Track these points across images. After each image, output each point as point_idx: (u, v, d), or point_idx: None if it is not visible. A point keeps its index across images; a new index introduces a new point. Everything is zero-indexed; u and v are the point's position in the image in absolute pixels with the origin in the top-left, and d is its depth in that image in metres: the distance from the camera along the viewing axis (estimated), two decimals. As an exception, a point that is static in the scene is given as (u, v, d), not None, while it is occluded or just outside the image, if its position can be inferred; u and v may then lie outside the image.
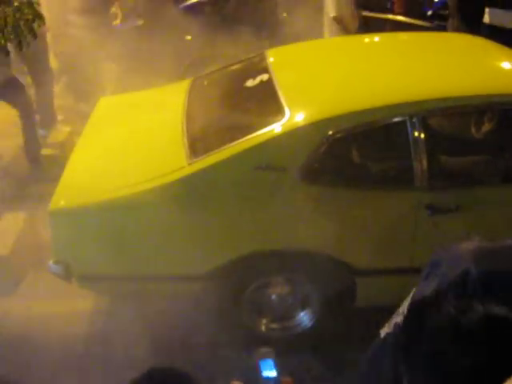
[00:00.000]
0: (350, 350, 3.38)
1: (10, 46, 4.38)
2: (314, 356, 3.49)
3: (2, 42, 4.10)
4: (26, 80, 6.54)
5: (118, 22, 8.07)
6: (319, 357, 3.48)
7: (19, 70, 6.56)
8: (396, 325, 1.18)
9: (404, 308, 1.18)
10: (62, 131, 6.31)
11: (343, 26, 6.35)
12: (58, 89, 7.67)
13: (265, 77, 3.73)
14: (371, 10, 6.67)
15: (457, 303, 1.05)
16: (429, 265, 1.21)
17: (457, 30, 5.79)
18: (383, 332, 1.23)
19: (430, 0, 6.91)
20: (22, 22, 4.13)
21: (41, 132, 6.31)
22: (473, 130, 3.93)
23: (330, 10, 6.50)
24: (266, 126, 3.20)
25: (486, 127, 3.91)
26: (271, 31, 6.72)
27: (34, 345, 3.65)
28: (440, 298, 1.09)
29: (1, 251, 4.22)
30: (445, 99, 3.22)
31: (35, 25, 4.60)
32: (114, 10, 8.09)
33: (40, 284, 4.15)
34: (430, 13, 6.72)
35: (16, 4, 4.58)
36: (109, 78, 7.83)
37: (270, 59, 3.97)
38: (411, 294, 1.18)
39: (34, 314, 3.89)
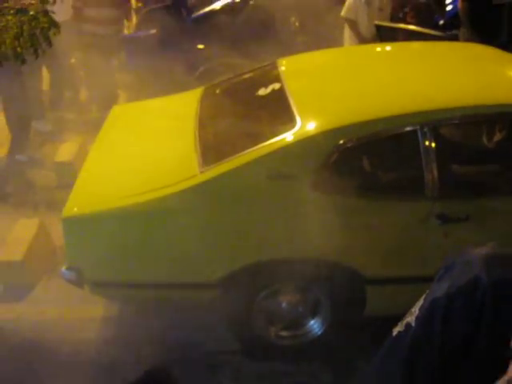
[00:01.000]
0: (360, 357, 3.42)
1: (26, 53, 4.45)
2: (324, 364, 3.49)
3: (19, 50, 4.17)
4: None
5: (130, 31, 8.14)
6: (329, 365, 3.49)
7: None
8: (408, 324, 1.20)
9: (416, 308, 1.20)
10: (75, 139, 6.36)
11: (357, 32, 6.39)
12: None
13: (276, 86, 3.75)
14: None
15: (463, 312, 1.06)
16: (442, 267, 1.23)
17: (468, 39, 5.79)
18: (395, 331, 1.24)
19: (442, 9, 6.92)
20: (37, 31, 4.21)
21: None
22: (484, 139, 3.94)
23: (347, 11, 6.55)
24: (277, 134, 3.22)
25: (497, 137, 3.91)
26: (284, 40, 6.77)
27: (45, 350, 3.68)
28: (449, 302, 1.11)
29: (15, 257, 4.26)
30: (455, 109, 3.23)
31: (51, 33, 4.66)
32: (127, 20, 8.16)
33: (53, 290, 4.19)
34: (441, 22, 6.72)
35: (32, 13, 4.65)
36: (121, 86, 7.90)
37: (282, 68, 3.99)
38: (424, 295, 1.20)
39: (46, 319, 3.92)
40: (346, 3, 6.60)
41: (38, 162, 6.06)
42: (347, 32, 6.71)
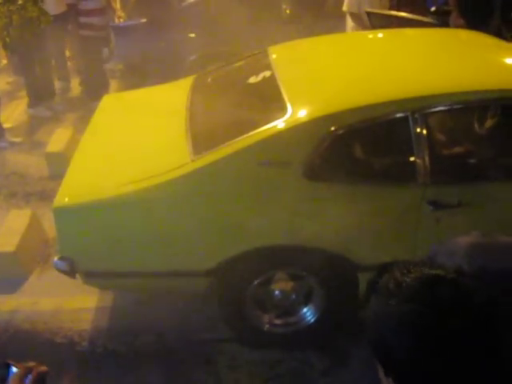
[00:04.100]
0: (353, 344, 3.44)
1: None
2: (317, 351, 3.51)
3: (8, 40, 4.15)
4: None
5: (121, 20, 8.11)
6: (323, 352, 3.50)
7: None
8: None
9: None
10: (66, 129, 6.34)
11: (362, 24, 6.37)
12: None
13: (267, 73, 3.74)
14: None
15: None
16: (426, 257, 1.22)
17: (459, 26, 5.78)
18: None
19: None
20: (26, 20, 4.18)
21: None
22: (476, 125, 3.93)
23: (349, 5, 6.54)
24: (268, 122, 3.21)
25: (489, 123, 3.90)
26: (275, 28, 6.74)
27: (40, 341, 3.68)
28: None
29: (7, 248, 4.25)
30: (446, 95, 3.23)
31: (41, 22, 4.64)
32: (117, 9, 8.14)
33: (46, 280, 4.19)
34: (433, 9, 6.70)
35: (20, 2, 4.61)
36: (112, 75, 7.88)
37: (273, 56, 3.98)
38: None
39: (40, 310, 3.92)
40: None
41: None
42: (350, 24, 6.68)
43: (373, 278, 3.21)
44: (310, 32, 5.41)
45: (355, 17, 6.53)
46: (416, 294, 1.02)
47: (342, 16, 6.73)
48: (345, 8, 6.60)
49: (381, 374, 1.09)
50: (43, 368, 1.30)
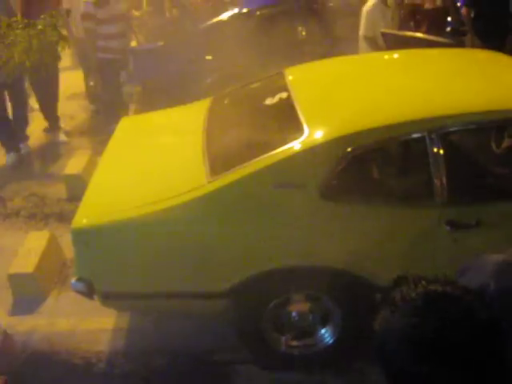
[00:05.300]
0: (371, 366, 3.40)
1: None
2: (335, 373, 3.47)
3: (28, 64, 4.21)
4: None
5: (136, 43, 8.20)
6: (341, 374, 3.47)
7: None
8: None
9: None
10: (84, 152, 6.41)
11: (377, 47, 6.41)
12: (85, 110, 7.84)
13: (284, 95, 3.76)
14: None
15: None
16: (458, 271, 1.23)
17: (475, 45, 5.80)
18: None
19: (458, 15, 6.90)
20: (46, 45, 4.25)
21: None
22: (492, 145, 3.92)
23: (361, 29, 6.60)
24: (285, 143, 3.22)
25: (506, 142, 3.90)
26: (292, 50, 6.79)
27: (57, 361, 3.69)
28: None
29: (26, 269, 4.29)
30: (463, 115, 3.22)
31: (59, 47, 4.71)
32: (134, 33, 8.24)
33: (64, 301, 4.21)
34: (449, 29, 6.72)
35: (40, 27, 4.70)
36: (130, 98, 7.97)
37: (289, 77, 4.00)
38: None
39: (57, 331, 3.93)
40: (362, 22, 6.62)
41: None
42: (363, 48, 6.72)
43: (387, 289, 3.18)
44: (325, 54, 5.45)
45: (370, 41, 6.56)
46: (417, 309, 1.04)
47: (355, 39, 6.77)
48: (361, 32, 6.64)
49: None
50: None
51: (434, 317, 1.02)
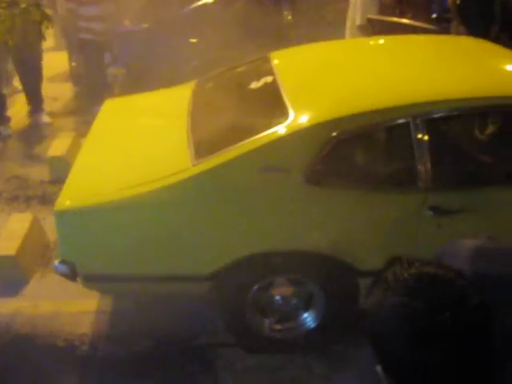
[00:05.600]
0: (354, 350, 3.43)
1: None
2: (318, 357, 3.50)
3: (11, 43, 4.15)
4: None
5: (123, 25, 8.11)
6: (324, 357, 3.50)
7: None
8: None
9: None
10: (68, 134, 6.36)
11: (368, 34, 6.38)
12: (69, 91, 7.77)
13: (269, 79, 3.75)
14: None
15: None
16: (435, 255, 1.24)
17: (459, 32, 5.81)
18: None
19: (440, 2, 6.90)
20: (29, 24, 4.19)
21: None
22: (476, 131, 3.95)
23: (357, 18, 6.55)
24: (270, 127, 3.22)
25: (490, 128, 3.92)
26: (277, 34, 6.76)
27: (40, 344, 3.69)
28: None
29: (8, 251, 4.25)
30: (447, 101, 3.24)
31: (43, 26, 4.65)
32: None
33: (47, 284, 4.20)
34: (434, 16, 6.72)
35: (23, 6, 4.64)
36: (115, 80, 7.90)
37: (274, 61, 3.99)
38: None
39: (40, 314, 3.92)
40: (357, 11, 6.57)
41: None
42: (349, 35, 6.69)
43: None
44: (311, 38, 5.43)
45: (364, 28, 6.52)
46: (409, 289, 1.07)
47: (342, 23, 6.74)
48: (358, 22, 6.58)
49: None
50: None
51: (425, 297, 1.04)
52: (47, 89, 7.47)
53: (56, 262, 3.35)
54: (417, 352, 1.03)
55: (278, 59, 4.05)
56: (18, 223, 4.57)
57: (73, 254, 3.32)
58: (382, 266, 3.07)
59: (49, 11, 5.57)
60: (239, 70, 4.41)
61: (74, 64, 8.10)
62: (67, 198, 3.32)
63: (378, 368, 1.10)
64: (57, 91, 7.94)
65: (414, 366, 1.04)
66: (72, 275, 3.34)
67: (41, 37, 4.76)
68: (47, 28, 4.42)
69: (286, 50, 4.40)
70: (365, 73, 3.65)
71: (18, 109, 7.23)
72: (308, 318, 3.50)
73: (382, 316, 1.08)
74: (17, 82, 7.53)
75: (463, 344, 1.02)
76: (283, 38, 6.47)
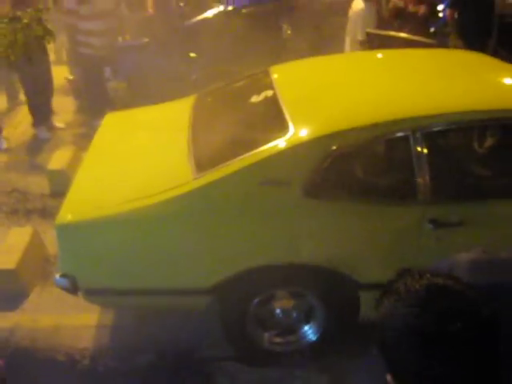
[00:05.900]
0: (354, 363, 3.43)
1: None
2: (319, 370, 3.49)
3: (12, 58, 4.18)
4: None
5: (123, 40, 8.16)
6: (324, 370, 3.49)
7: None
8: None
9: None
10: (68, 147, 6.37)
11: (368, 49, 6.43)
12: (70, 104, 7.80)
13: (269, 93, 3.78)
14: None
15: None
16: (432, 269, 1.26)
17: (457, 46, 5.86)
18: None
19: (435, 17, 6.97)
20: (31, 39, 4.22)
21: None
22: (475, 144, 3.97)
23: (358, 33, 6.61)
24: (270, 141, 3.24)
25: (489, 142, 3.94)
26: (277, 49, 6.80)
27: (40, 358, 3.68)
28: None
29: (8, 265, 4.25)
30: (446, 114, 3.26)
31: (45, 41, 4.68)
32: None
33: (47, 298, 4.19)
34: (432, 30, 6.78)
35: (25, 21, 4.67)
36: (116, 94, 7.93)
37: (274, 75, 4.02)
38: None
39: (40, 328, 3.91)
40: (357, 26, 6.64)
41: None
42: (349, 48, 6.74)
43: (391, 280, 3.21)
44: (311, 52, 5.47)
45: (365, 43, 6.58)
46: (420, 300, 1.07)
47: (341, 37, 6.80)
48: (361, 37, 6.64)
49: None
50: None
51: (437, 308, 1.05)
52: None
53: (57, 276, 3.35)
54: (427, 362, 1.03)
55: (277, 73, 4.08)
56: (18, 237, 4.57)
57: (74, 267, 3.33)
58: (382, 279, 3.07)
59: (51, 26, 5.62)
60: (239, 84, 4.44)
61: (71, 78, 8.13)
62: (68, 212, 3.33)
63: (389, 377, 1.11)
64: (58, 105, 7.96)
65: (424, 376, 1.05)
66: (73, 289, 3.34)
67: (45, 52, 4.78)
68: (49, 43, 4.45)
69: (285, 64, 4.43)
70: (364, 86, 3.67)
71: (20, 121, 7.25)
72: (308, 331, 3.50)
73: (392, 326, 1.09)
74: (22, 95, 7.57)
75: (474, 355, 1.03)
76: (283, 52, 6.51)
